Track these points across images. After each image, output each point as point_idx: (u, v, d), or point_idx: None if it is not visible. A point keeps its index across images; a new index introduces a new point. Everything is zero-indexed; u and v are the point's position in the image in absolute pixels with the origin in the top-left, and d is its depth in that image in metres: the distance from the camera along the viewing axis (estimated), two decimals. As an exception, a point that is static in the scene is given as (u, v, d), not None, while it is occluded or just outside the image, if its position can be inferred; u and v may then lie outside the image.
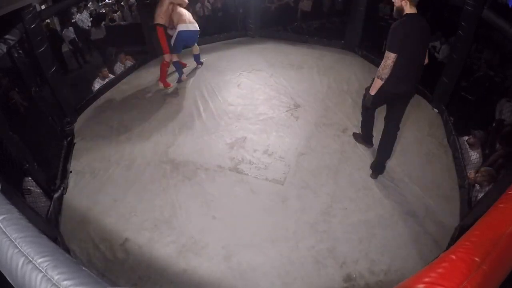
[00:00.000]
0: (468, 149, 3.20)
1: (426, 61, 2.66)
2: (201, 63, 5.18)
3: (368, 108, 3.05)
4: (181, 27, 4.23)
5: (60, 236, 2.69)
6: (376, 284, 2.38)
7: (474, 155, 3.13)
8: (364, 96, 2.98)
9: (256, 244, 2.65)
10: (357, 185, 3.10)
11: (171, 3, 4.19)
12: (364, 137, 3.45)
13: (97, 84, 4.67)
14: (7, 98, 3.42)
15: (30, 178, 2.86)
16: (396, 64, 2.50)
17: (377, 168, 3.15)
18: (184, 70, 4.90)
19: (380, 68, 2.56)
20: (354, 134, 3.63)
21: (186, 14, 4.30)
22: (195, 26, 4.37)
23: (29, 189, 2.81)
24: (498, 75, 4.30)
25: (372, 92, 2.74)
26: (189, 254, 2.60)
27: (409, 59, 2.53)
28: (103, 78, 4.75)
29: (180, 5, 4.28)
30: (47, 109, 3.53)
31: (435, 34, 4.98)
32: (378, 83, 2.64)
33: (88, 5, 7.28)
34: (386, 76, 2.55)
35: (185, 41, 4.44)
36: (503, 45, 4.34)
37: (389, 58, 2.48)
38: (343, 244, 2.62)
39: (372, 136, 3.41)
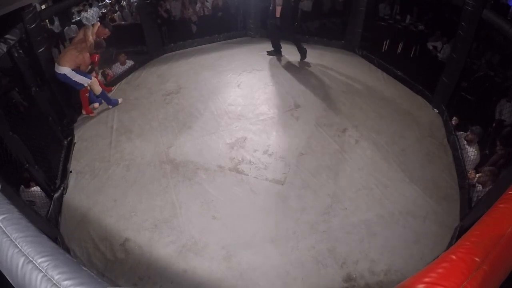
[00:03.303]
0: (466, 146, 3.22)
1: None
2: (114, 103, 4.33)
3: (281, 29, 4.87)
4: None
5: (60, 236, 2.69)
6: (376, 284, 2.38)
7: (472, 151, 3.15)
8: (273, 24, 4.89)
9: (256, 244, 2.65)
10: (357, 185, 3.11)
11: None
12: (276, 50, 5.25)
13: (117, 69, 4.97)
14: (7, 98, 3.42)
15: (33, 188, 2.85)
16: None
17: (303, 52, 5.06)
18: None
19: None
20: (268, 52, 5.32)
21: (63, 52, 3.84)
22: (56, 67, 3.68)
23: (32, 201, 2.81)
24: (498, 75, 4.30)
25: (277, 15, 4.64)
26: (189, 254, 2.60)
27: None
28: (123, 63, 5.02)
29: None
30: (47, 109, 3.53)
31: (435, 34, 4.99)
32: (279, 8, 4.55)
33: (90, 2, 7.29)
34: (281, 4, 4.53)
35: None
36: (503, 45, 4.34)
37: None
38: (343, 244, 2.62)
39: (281, 47, 5.23)
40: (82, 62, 3.81)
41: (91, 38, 3.80)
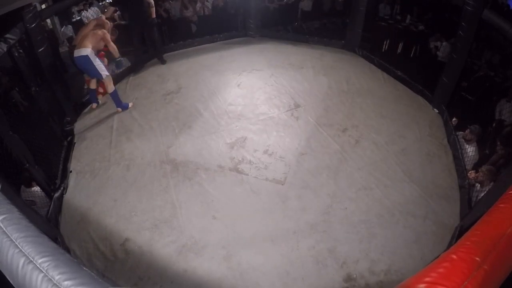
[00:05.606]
0: (465, 144, 3.23)
1: None
2: (124, 107, 4.25)
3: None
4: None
5: (60, 236, 2.69)
6: (376, 284, 2.38)
7: (470, 150, 3.16)
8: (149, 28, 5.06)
9: (256, 244, 2.65)
10: (357, 185, 3.10)
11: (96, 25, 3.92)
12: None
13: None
14: (7, 97, 3.42)
15: (34, 188, 2.85)
16: None
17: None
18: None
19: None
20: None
21: (80, 37, 3.84)
22: (77, 52, 3.74)
23: (32, 200, 2.81)
24: (498, 75, 4.30)
25: (154, 15, 4.97)
26: (189, 254, 2.60)
27: None
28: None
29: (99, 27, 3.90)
30: (47, 109, 3.53)
31: (435, 35, 4.99)
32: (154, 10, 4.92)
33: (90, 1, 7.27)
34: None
35: (78, 67, 3.94)
36: (503, 45, 4.34)
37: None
38: (343, 244, 2.62)
39: None
40: (103, 37, 3.86)
41: (107, 21, 3.92)
